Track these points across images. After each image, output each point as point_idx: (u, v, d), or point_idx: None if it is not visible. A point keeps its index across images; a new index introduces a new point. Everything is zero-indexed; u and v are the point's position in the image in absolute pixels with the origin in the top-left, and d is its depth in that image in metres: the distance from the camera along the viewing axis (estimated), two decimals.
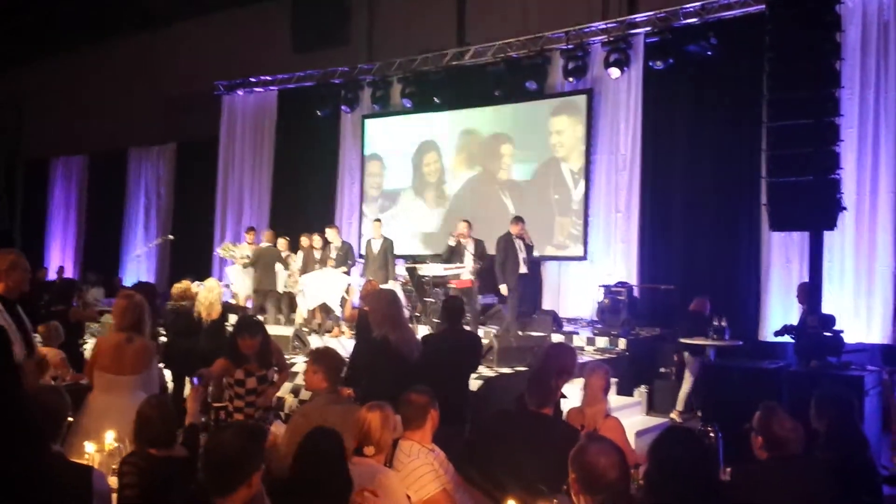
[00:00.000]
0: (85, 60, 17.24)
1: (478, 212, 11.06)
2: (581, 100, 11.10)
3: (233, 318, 8.66)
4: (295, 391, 7.25)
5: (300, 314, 10.15)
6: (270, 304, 10.49)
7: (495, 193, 11.93)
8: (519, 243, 8.94)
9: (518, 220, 9.16)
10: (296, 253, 10.76)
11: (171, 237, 13.80)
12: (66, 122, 17.34)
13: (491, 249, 9.19)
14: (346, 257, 10.04)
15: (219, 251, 11.40)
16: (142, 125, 16.34)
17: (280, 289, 10.60)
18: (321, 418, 3.87)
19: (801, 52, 6.10)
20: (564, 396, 4.29)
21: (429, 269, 9.36)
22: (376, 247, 10.05)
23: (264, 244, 10.75)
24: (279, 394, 6.82)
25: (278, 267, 10.53)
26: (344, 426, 3.51)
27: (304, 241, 10.63)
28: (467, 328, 6.98)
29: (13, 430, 2.32)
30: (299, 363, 7.54)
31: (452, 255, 9.31)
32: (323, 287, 9.76)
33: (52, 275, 13.96)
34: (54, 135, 17.52)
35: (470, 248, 9.21)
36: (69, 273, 16.10)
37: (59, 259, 17.18)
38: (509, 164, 11.88)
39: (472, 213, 10.51)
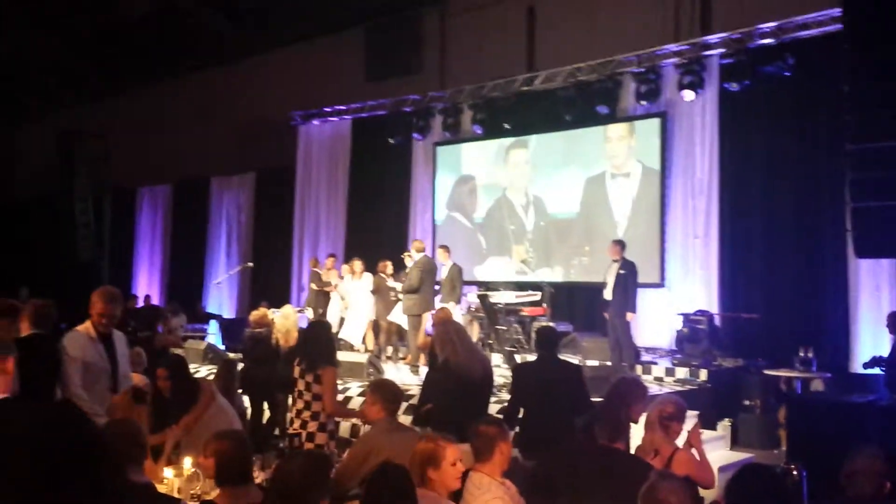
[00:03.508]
0: (168, 92, 17.97)
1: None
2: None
3: None
4: None
5: (371, 342, 10.26)
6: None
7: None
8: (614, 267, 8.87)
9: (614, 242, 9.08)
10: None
11: (250, 265, 14.17)
12: (151, 152, 18.03)
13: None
14: None
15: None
16: (222, 155, 16.87)
17: (329, 316, 10.67)
18: (384, 445, 3.92)
19: (881, 72, 5.88)
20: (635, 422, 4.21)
21: (501, 297, 9.34)
22: (444, 273, 10.12)
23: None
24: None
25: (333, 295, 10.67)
26: (406, 453, 3.54)
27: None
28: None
29: (89, 462, 2.39)
30: (353, 387, 7.70)
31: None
32: (399, 312, 9.84)
33: (140, 303, 14.49)
34: (140, 165, 18.23)
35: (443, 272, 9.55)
36: (155, 301, 16.68)
37: (146, 287, 17.81)
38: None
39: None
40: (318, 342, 5.09)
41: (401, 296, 10.02)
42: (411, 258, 9.47)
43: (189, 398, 4.69)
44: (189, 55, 16.14)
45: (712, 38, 10.23)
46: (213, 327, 13.58)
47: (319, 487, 2.63)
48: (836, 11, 7.94)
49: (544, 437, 4.73)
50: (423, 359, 9.15)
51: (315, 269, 11.04)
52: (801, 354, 7.63)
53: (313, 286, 10.79)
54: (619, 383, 4.46)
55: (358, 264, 10.58)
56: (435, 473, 3.27)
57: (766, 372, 8.11)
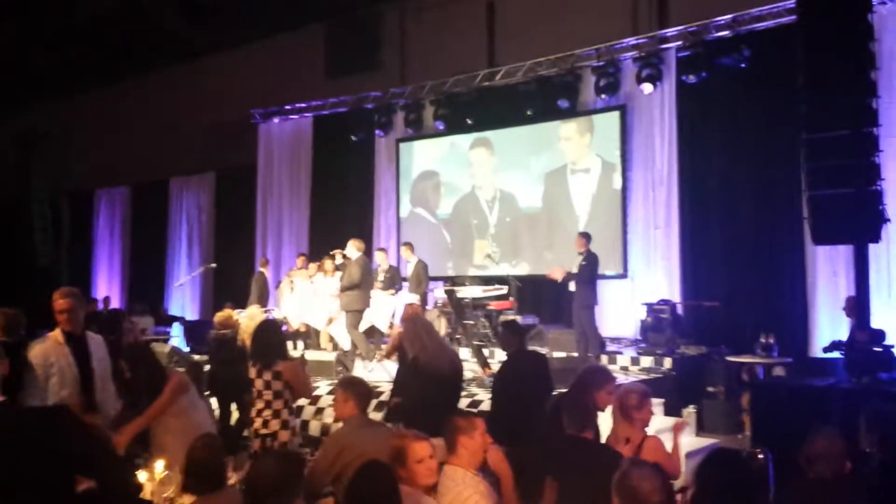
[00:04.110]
0: (125, 92, 17.68)
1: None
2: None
3: None
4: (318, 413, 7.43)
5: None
6: None
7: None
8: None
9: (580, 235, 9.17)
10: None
11: (213, 265, 14.01)
12: (109, 153, 17.73)
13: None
14: (393, 280, 10.10)
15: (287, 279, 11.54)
16: (181, 155, 16.64)
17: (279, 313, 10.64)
18: (356, 442, 3.93)
19: (835, 63, 6.03)
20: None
21: (468, 291, 9.37)
22: (409, 269, 10.13)
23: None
24: (304, 417, 6.98)
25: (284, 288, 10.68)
26: (379, 449, 3.56)
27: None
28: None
29: (69, 467, 2.38)
30: (322, 385, 7.72)
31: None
32: (372, 310, 9.81)
33: (100, 305, 14.24)
34: (97, 166, 17.91)
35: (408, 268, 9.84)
36: (115, 303, 16.41)
37: (106, 290, 17.52)
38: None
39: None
40: (269, 339, 5.07)
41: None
42: (344, 256, 9.48)
43: (157, 385, 4.52)
44: (146, 54, 15.86)
45: (670, 31, 10.39)
46: (176, 330, 13.40)
47: (294, 486, 2.64)
48: (791, 3, 8.11)
49: (519, 428, 4.79)
50: (375, 353, 9.17)
51: (262, 270, 11.05)
52: (763, 340, 7.79)
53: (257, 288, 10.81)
54: (584, 372, 4.54)
55: (329, 263, 10.56)
56: (403, 471, 3.29)
57: (729, 358, 8.27)
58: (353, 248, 9.30)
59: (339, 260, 10.12)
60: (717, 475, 2.73)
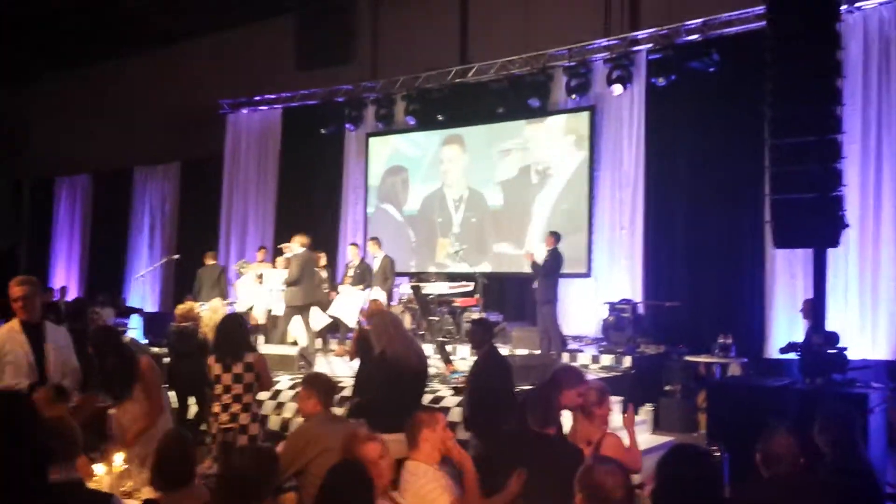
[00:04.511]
0: (90, 79, 17.35)
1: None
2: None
3: None
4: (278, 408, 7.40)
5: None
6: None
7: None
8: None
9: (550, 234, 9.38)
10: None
11: (176, 257, 13.82)
12: (71, 140, 17.38)
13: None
14: (363, 276, 10.04)
15: (235, 268, 11.44)
16: (146, 144, 16.39)
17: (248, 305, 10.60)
18: (321, 436, 3.92)
19: (802, 70, 6.13)
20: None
21: (434, 288, 9.37)
22: (376, 265, 10.10)
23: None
24: (263, 411, 6.96)
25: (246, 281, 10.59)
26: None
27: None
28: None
29: (26, 457, 2.33)
30: (284, 380, 7.66)
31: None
32: (339, 304, 9.75)
33: (56, 295, 13.95)
34: (59, 154, 17.56)
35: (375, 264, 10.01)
36: (73, 294, 16.09)
37: (64, 280, 17.17)
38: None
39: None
40: (234, 333, 5.12)
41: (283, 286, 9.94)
42: (290, 249, 9.44)
43: (128, 368, 4.54)
44: (113, 40, 15.57)
45: (641, 33, 10.49)
46: (134, 321, 13.19)
47: (272, 480, 2.63)
48: (760, 9, 8.21)
49: (491, 421, 4.83)
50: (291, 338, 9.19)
51: (213, 262, 10.94)
52: (721, 341, 7.91)
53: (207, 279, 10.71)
54: (557, 371, 4.62)
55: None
56: None
57: (687, 358, 8.38)
58: (297, 244, 9.27)
59: (287, 253, 10.04)
60: (678, 470, 2.76)
